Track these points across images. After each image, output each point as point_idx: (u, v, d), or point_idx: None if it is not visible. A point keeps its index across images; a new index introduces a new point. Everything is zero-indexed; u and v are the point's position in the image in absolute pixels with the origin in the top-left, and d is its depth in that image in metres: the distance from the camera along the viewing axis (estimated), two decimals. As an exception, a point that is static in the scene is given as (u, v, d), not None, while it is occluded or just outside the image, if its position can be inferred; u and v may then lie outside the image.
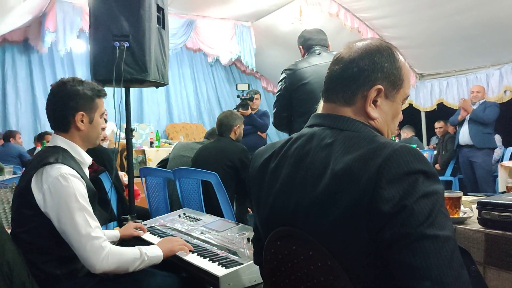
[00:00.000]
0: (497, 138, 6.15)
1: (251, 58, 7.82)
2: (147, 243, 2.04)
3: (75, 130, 1.78)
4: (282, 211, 1.02)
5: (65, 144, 1.76)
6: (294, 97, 3.04)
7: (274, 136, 8.32)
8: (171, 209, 3.15)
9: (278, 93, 3.14)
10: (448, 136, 6.38)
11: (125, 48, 2.56)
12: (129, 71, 2.59)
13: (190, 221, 2.29)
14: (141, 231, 2.17)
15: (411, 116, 7.24)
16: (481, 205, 1.45)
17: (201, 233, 2.04)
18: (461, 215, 1.57)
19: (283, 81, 3.10)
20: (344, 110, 1.04)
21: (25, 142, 6.86)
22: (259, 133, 5.29)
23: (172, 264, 1.81)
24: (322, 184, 0.93)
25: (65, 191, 1.59)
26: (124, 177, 3.50)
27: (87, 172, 1.86)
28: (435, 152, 6.57)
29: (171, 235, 2.10)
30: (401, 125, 7.31)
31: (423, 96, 7.19)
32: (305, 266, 0.97)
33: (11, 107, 7.16)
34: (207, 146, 3.55)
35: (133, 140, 3.05)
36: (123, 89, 2.78)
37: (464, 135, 5.59)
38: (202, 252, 1.78)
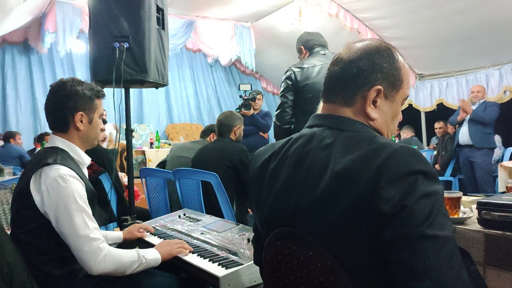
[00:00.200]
0: (497, 138, 6.15)
1: (251, 58, 7.82)
2: (147, 243, 2.04)
3: (74, 130, 1.78)
4: (282, 212, 1.02)
5: (63, 145, 1.76)
6: (300, 95, 3.04)
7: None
8: (171, 210, 3.14)
9: (285, 91, 3.11)
10: (448, 136, 6.38)
11: (125, 49, 2.56)
12: (129, 72, 2.59)
13: (190, 221, 2.29)
14: (144, 232, 2.15)
15: (411, 116, 7.24)
16: (480, 205, 1.45)
17: (201, 233, 2.04)
18: (461, 215, 1.57)
19: (290, 78, 3.08)
20: (343, 110, 1.04)
21: (25, 143, 6.86)
22: (261, 133, 5.30)
23: (172, 264, 1.81)
24: (322, 185, 0.93)
25: (64, 192, 1.59)
26: (124, 177, 3.50)
27: (86, 172, 1.86)
28: (435, 152, 6.57)
29: (172, 235, 2.10)
30: (401, 126, 7.31)
31: (423, 96, 7.19)
32: (305, 266, 0.97)
33: (11, 108, 7.17)
34: (207, 147, 3.54)
35: (133, 141, 3.05)
36: (123, 90, 2.78)
37: (464, 135, 5.59)
38: (202, 253, 1.78)
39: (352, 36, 6.21)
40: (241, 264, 1.59)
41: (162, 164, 3.98)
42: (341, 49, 1.10)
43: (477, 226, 1.46)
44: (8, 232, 1.68)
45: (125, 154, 2.98)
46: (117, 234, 2.10)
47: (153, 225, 2.32)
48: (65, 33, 6.36)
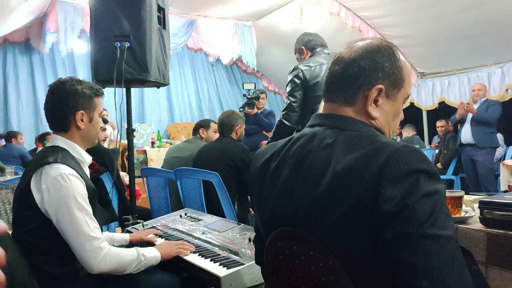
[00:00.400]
0: (499, 136, 6.14)
1: (252, 57, 7.82)
2: (147, 242, 2.04)
3: (75, 129, 1.79)
4: (283, 211, 1.02)
5: (64, 144, 1.76)
6: (308, 94, 3.04)
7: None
8: (172, 209, 3.14)
9: (294, 90, 3.08)
10: (450, 135, 6.36)
11: (126, 48, 2.55)
12: (130, 71, 2.59)
13: (191, 221, 2.29)
14: (152, 236, 2.10)
15: (412, 115, 7.23)
16: (482, 205, 1.44)
17: (203, 233, 2.04)
18: (462, 214, 1.56)
19: (299, 77, 3.06)
20: (345, 110, 1.04)
21: (27, 142, 6.87)
22: (264, 132, 5.29)
23: (173, 264, 1.81)
24: (324, 184, 0.93)
25: (64, 191, 1.59)
26: (125, 177, 3.50)
27: (87, 171, 1.86)
28: (437, 151, 6.56)
29: (173, 235, 2.10)
30: (402, 124, 7.30)
31: (424, 95, 7.18)
32: (306, 266, 0.97)
33: (13, 108, 7.17)
34: (208, 146, 3.55)
35: (135, 140, 3.05)
36: (124, 89, 2.78)
37: (466, 134, 5.58)
38: (204, 252, 1.78)
39: (354, 34, 6.20)
40: (242, 264, 1.59)
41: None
42: (342, 48, 1.10)
43: (479, 225, 1.46)
44: (10, 232, 1.69)
45: (127, 153, 2.98)
46: (124, 236, 2.09)
47: (155, 225, 2.32)
48: (67, 33, 6.36)
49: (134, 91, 6.12)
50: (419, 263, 0.80)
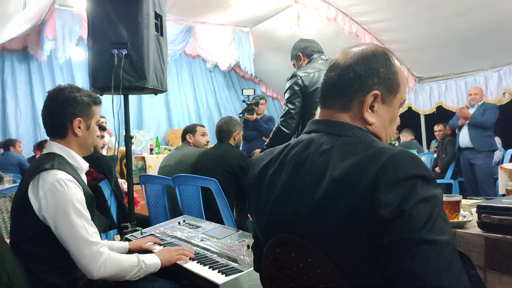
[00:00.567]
0: (497, 140, 6.15)
1: (250, 63, 7.83)
2: (147, 250, 2.03)
3: (73, 136, 1.79)
4: (281, 218, 1.02)
5: (60, 150, 1.77)
6: (308, 100, 3.04)
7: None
8: (171, 216, 3.14)
9: (293, 97, 3.07)
10: (448, 139, 6.37)
11: (124, 56, 2.56)
12: (128, 79, 2.59)
13: (190, 228, 2.28)
14: (150, 244, 2.10)
15: (410, 119, 7.24)
16: (480, 209, 1.44)
17: (201, 240, 2.04)
18: (460, 219, 1.56)
19: (297, 84, 3.05)
20: (341, 116, 1.04)
21: (25, 150, 6.85)
22: (264, 138, 5.28)
23: (172, 271, 1.81)
24: (321, 190, 0.93)
25: (62, 196, 1.59)
26: (124, 184, 3.50)
27: (84, 178, 1.86)
28: (435, 155, 6.56)
29: (171, 242, 2.09)
30: (400, 129, 7.31)
31: (422, 99, 7.19)
32: (304, 273, 0.97)
33: (11, 116, 7.16)
34: (206, 152, 3.55)
35: (133, 147, 3.05)
36: (122, 96, 2.78)
37: (464, 138, 5.59)
38: (202, 260, 1.78)
39: (351, 39, 6.21)
40: (241, 271, 1.59)
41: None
42: (337, 55, 1.10)
43: (477, 230, 1.46)
44: (8, 241, 1.68)
45: (125, 160, 2.98)
46: (123, 244, 2.08)
47: (153, 232, 2.32)
48: (65, 40, 6.37)
49: (132, 97, 6.12)
50: (417, 268, 0.80)
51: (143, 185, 3.52)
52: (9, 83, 7.18)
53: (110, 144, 6.20)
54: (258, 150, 4.47)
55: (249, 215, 3.49)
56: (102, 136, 4.03)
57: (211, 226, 2.25)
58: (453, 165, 6.22)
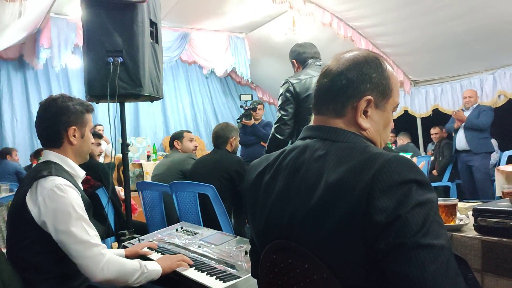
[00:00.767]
0: (493, 142, 6.17)
1: (246, 69, 7.84)
2: (146, 258, 2.03)
3: (68, 144, 1.80)
4: (277, 224, 1.02)
5: (57, 159, 1.78)
6: (301, 106, 3.05)
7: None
8: (169, 223, 3.13)
9: (285, 103, 3.09)
10: (444, 142, 6.39)
11: (119, 64, 2.56)
12: (124, 86, 2.59)
13: (187, 235, 2.28)
14: (147, 250, 2.11)
15: (407, 122, 7.25)
16: (476, 212, 1.45)
17: (199, 246, 2.03)
18: (457, 222, 1.57)
19: (289, 91, 3.06)
20: (335, 121, 1.05)
21: (22, 159, 6.85)
22: (262, 143, 5.28)
23: (170, 279, 1.80)
24: (316, 196, 0.93)
25: (62, 201, 1.59)
26: (121, 191, 3.49)
27: (81, 186, 1.86)
28: (432, 158, 6.57)
29: (169, 249, 2.09)
30: (397, 132, 7.33)
31: (418, 102, 7.21)
32: (301, 279, 0.97)
33: (7, 124, 7.15)
34: (203, 159, 3.55)
35: (130, 154, 3.05)
36: (118, 104, 2.78)
37: (461, 141, 5.61)
38: (200, 266, 1.78)
39: (346, 44, 6.23)
40: (239, 277, 1.59)
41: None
42: (329, 61, 1.11)
43: (473, 233, 1.46)
44: (4, 251, 1.67)
45: (122, 167, 2.98)
46: (119, 252, 2.07)
47: (151, 239, 2.31)
48: (60, 49, 6.36)
49: (129, 104, 6.12)
50: (413, 273, 0.80)
51: (140, 192, 3.52)
52: (5, 92, 7.19)
53: (107, 152, 6.20)
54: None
55: (246, 220, 3.49)
56: (99, 144, 4.03)
57: (208, 232, 2.25)
58: (450, 167, 6.24)
